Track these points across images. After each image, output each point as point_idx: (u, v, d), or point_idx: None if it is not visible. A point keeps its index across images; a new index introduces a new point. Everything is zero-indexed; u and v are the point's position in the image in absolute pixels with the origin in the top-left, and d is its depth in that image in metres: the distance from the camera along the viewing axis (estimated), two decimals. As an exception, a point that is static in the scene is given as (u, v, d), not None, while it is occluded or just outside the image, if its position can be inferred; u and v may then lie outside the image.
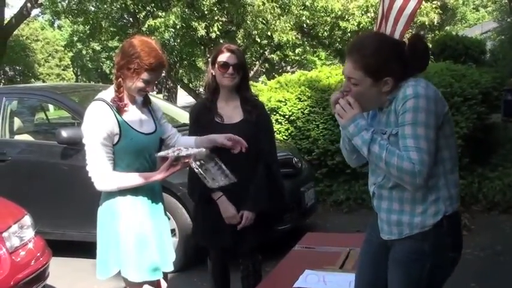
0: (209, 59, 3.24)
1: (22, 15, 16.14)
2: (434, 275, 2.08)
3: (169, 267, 2.75)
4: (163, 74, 2.99)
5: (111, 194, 2.57)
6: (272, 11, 13.88)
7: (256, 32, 14.06)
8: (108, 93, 2.59)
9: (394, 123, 2.03)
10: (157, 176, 2.55)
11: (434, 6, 15.37)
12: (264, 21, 14.06)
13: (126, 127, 2.54)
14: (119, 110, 2.53)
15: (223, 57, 3.08)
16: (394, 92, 2.05)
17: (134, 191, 2.58)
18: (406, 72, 2.05)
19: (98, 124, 2.48)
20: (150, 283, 2.61)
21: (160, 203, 2.76)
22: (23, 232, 3.72)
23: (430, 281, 2.09)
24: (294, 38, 14.55)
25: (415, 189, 2.02)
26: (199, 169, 2.49)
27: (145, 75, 2.50)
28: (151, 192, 2.67)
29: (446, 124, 2.04)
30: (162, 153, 2.53)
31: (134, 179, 2.54)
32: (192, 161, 2.47)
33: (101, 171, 2.50)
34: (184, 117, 5.81)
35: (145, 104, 2.72)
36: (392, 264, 2.16)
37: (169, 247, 2.79)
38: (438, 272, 2.09)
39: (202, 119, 3.14)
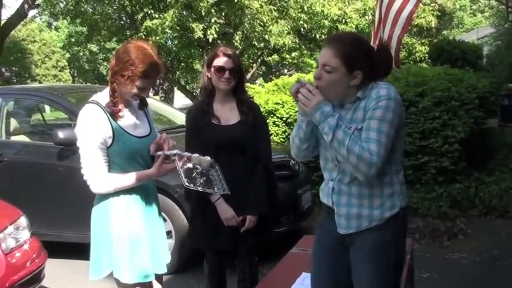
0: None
1: (19, 16, 16.08)
2: (396, 263, 2.24)
3: (163, 269, 2.74)
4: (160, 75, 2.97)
5: (105, 195, 2.56)
6: (270, 14, 13.87)
7: (253, 34, 14.04)
8: (103, 95, 2.57)
9: (361, 120, 2.15)
10: (151, 173, 2.55)
11: (431, 9, 15.37)
12: (262, 24, 14.04)
13: (119, 131, 2.52)
14: (113, 115, 2.51)
15: (220, 61, 3.08)
16: (365, 91, 2.17)
17: (128, 191, 2.57)
18: (372, 74, 2.19)
19: (92, 127, 2.46)
20: (141, 285, 2.60)
21: (154, 204, 2.74)
22: (19, 233, 3.70)
23: (395, 269, 2.24)
24: (290, 41, 14.53)
25: (367, 180, 2.14)
26: (181, 169, 2.49)
27: (139, 83, 2.49)
28: (145, 192, 2.66)
29: (402, 128, 2.23)
30: (159, 152, 2.53)
31: (130, 178, 2.53)
32: (176, 159, 2.47)
33: (96, 173, 2.49)
34: (181, 119, 5.80)
35: (142, 107, 2.71)
36: (359, 260, 2.25)
37: (164, 249, 2.78)
38: (398, 259, 2.25)
39: (199, 121, 3.14)
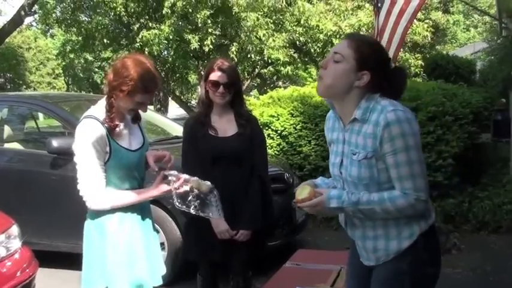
0: (202, 73, 3.24)
1: (15, 23, 16.04)
2: None
3: (158, 281, 2.71)
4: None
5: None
6: (266, 27, 13.93)
7: (250, 47, 14.08)
8: (99, 109, 2.52)
9: (371, 148, 1.98)
10: (152, 193, 2.53)
11: (426, 25, 15.49)
12: (258, 37, 14.09)
13: (116, 147, 2.49)
14: (110, 130, 2.48)
15: (214, 76, 3.08)
16: (365, 112, 2.00)
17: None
18: (380, 87, 2.02)
19: (90, 142, 2.42)
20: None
21: (148, 217, 2.72)
22: (10, 242, 3.66)
23: None
24: (285, 56, 14.58)
25: (422, 213, 2.03)
26: (175, 190, 2.46)
27: (138, 98, 2.46)
28: (140, 206, 2.62)
29: None
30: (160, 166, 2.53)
31: (128, 196, 2.51)
32: (173, 180, 2.45)
33: (93, 190, 2.45)
34: (175, 130, 5.79)
35: (135, 120, 2.68)
36: (374, 286, 2.15)
37: (159, 260, 2.76)
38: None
39: (197, 133, 3.13)
